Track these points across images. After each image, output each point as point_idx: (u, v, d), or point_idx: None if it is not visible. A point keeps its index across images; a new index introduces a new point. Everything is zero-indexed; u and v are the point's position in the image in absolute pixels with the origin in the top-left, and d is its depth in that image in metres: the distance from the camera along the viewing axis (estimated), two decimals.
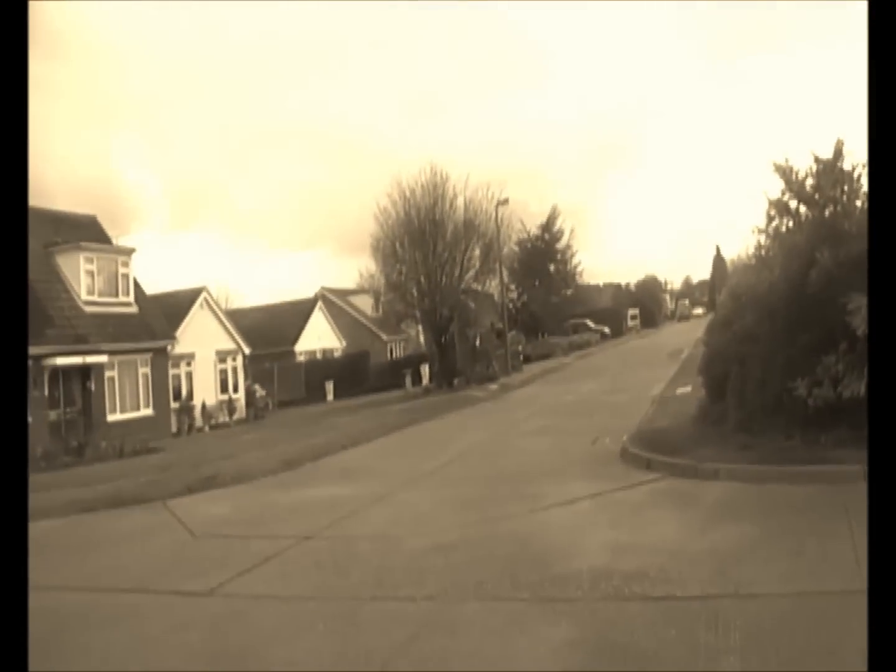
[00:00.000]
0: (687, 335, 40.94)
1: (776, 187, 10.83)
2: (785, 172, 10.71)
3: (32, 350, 19.45)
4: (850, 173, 10.24)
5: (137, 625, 5.93)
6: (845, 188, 10.27)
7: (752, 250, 11.91)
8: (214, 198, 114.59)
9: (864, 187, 10.20)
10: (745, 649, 4.27)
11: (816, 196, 10.43)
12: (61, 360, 21.60)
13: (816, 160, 10.48)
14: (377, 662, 4.68)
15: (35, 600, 3.76)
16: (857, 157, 10.23)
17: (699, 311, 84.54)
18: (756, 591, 5.20)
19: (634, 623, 4.86)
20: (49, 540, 8.93)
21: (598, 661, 4.39)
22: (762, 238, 11.32)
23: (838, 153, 10.36)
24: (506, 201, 33.34)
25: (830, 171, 10.32)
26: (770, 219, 11.08)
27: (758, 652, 4.23)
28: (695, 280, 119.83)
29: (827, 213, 10.30)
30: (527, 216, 58.79)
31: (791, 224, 10.83)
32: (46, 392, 21.51)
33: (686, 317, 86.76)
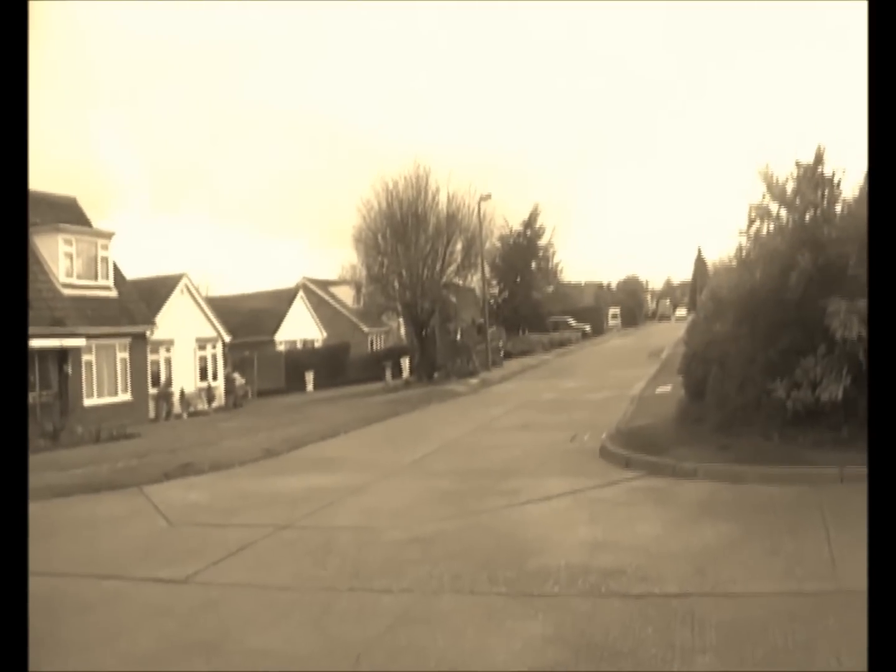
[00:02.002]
0: (667, 335, 41.31)
1: (758, 190, 10.90)
2: (766, 176, 10.77)
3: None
4: (831, 179, 10.33)
5: (113, 611, 5.90)
6: (825, 193, 10.36)
7: (733, 253, 11.97)
8: (197, 185, 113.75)
9: (844, 193, 10.31)
10: (721, 647, 4.32)
11: (797, 200, 10.50)
12: (38, 343, 21.26)
13: (797, 165, 10.55)
14: (352, 653, 4.68)
15: None
16: (837, 163, 10.34)
17: (682, 312, 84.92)
18: (732, 590, 5.25)
19: (611, 620, 4.89)
20: None
21: (574, 657, 4.41)
22: (743, 241, 11.37)
23: (819, 158, 10.44)
24: (488, 196, 33.30)
25: (811, 176, 10.40)
26: (751, 222, 11.14)
27: (734, 650, 4.28)
28: (676, 281, 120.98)
29: (807, 217, 10.37)
30: (509, 213, 58.89)
31: (772, 227, 10.89)
32: None
33: (667, 317, 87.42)
